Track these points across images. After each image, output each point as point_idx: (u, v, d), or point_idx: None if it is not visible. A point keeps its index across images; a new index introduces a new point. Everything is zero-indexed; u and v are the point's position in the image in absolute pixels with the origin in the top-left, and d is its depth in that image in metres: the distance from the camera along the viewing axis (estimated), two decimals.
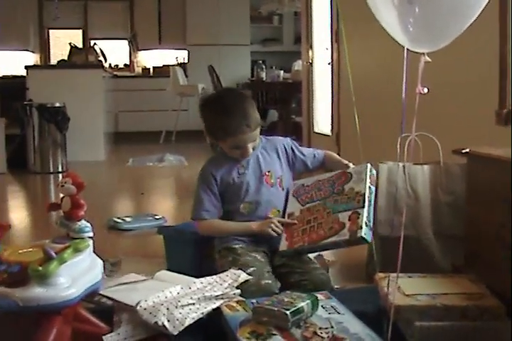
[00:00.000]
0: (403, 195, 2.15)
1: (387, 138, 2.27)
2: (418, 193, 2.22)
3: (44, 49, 8.85)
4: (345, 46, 2.97)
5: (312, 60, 5.69)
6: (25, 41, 8.53)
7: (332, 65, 5.03)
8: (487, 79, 2.68)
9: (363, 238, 1.86)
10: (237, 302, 1.72)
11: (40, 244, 1.70)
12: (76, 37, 8.76)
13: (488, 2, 1.39)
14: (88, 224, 1.87)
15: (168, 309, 1.62)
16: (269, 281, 1.90)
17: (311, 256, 2.14)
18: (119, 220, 3.25)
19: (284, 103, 6.93)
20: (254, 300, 1.71)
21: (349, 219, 1.91)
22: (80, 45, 8.38)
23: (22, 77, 6.58)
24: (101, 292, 1.75)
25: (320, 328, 1.56)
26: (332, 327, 1.57)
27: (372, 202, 1.98)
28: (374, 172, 2.07)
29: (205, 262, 2.21)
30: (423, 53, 1.45)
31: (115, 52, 8.91)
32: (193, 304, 1.66)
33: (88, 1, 8.81)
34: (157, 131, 7.78)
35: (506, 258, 1.76)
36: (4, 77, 8.14)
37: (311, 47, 5.69)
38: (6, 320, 1.55)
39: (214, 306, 1.68)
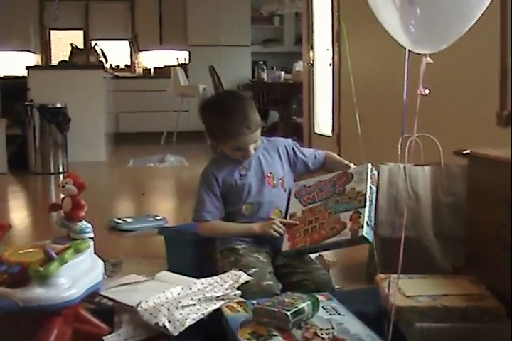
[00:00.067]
0: (404, 196, 2.15)
1: (387, 139, 2.27)
2: (419, 194, 2.22)
3: (45, 49, 8.85)
4: (347, 47, 2.97)
5: (313, 61, 5.69)
6: (26, 42, 8.54)
7: (333, 66, 5.03)
8: (488, 80, 2.68)
9: (364, 237, 1.86)
10: (238, 303, 1.72)
11: (40, 244, 1.70)
12: (77, 37, 8.76)
13: (490, 3, 1.39)
14: (89, 225, 1.87)
15: (168, 310, 1.62)
16: (271, 282, 1.90)
17: (312, 256, 2.14)
18: (119, 221, 3.25)
19: (284, 104, 6.93)
20: (254, 301, 1.71)
21: (350, 219, 1.92)
22: (81, 46, 8.38)
23: (23, 77, 6.58)
24: (101, 293, 1.75)
25: (320, 329, 1.56)
26: (333, 328, 1.57)
27: (374, 202, 1.98)
28: (375, 172, 2.07)
29: (205, 263, 2.21)
30: (425, 54, 1.45)
31: (116, 52, 8.91)
32: (194, 305, 1.66)
33: (89, 2, 8.81)
34: (158, 132, 7.78)
35: (506, 260, 1.76)
36: (5, 78, 8.14)
37: (312, 48, 5.69)
38: (6, 320, 1.55)
39: (215, 307, 1.68)
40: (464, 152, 2.08)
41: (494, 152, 1.94)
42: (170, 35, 8.97)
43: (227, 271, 1.91)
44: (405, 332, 1.58)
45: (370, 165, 2.06)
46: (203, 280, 1.82)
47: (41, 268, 1.47)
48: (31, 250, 1.63)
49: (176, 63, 8.93)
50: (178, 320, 1.59)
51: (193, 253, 2.28)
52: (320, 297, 1.72)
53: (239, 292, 1.78)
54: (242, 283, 1.83)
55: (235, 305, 1.70)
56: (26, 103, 5.66)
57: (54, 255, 1.52)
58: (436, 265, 2.19)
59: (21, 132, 5.71)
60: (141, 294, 1.72)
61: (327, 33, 5.21)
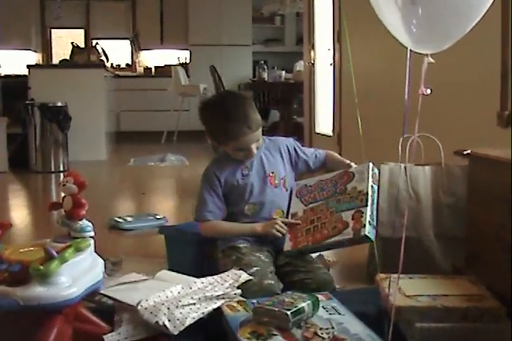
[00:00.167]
0: (404, 197, 2.15)
1: (388, 139, 2.27)
2: (419, 195, 2.22)
3: (46, 48, 8.86)
4: (348, 47, 2.97)
5: (314, 61, 5.69)
6: (28, 40, 8.54)
7: (334, 66, 5.03)
8: (489, 80, 2.68)
9: (367, 236, 1.86)
10: (238, 302, 1.72)
11: (41, 243, 1.70)
12: (78, 36, 8.77)
13: (492, 3, 1.39)
14: (89, 224, 1.87)
15: (168, 309, 1.62)
16: (272, 282, 1.90)
17: (313, 256, 2.14)
18: (120, 220, 3.25)
19: (285, 103, 6.93)
20: (254, 301, 1.71)
21: (352, 218, 1.91)
22: (82, 45, 8.40)
23: (24, 76, 6.58)
24: (102, 291, 1.75)
25: (320, 329, 1.56)
26: (333, 327, 1.57)
27: (375, 201, 1.98)
28: (376, 171, 2.07)
29: (206, 262, 2.21)
30: (427, 54, 1.45)
31: (117, 51, 8.92)
32: (194, 304, 1.66)
33: (90, 1, 8.82)
34: (159, 131, 7.79)
35: (506, 260, 1.76)
36: (6, 77, 8.14)
37: (313, 47, 5.69)
38: (6, 319, 1.55)
39: (215, 306, 1.68)
40: (465, 152, 2.08)
41: (494, 152, 1.93)
42: (171, 34, 8.97)
43: (228, 270, 1.91)
44: (405, 332, 1.58)
45: (371, 164, 2.06)
46: (203, 279, 1.83)
47: (42, 267, 1.47)
48: (32, 248, 1.63)
49: (177, 62, 8.94)
50: (178, 319, 1.59)
51: (194, 253, 2.28)
52: (320, 296, 1.72)
53: (239, 291, 1.78)
54: (243, 282, 1.83)
55: (235, 305, 1.70)
56: (27, 102, 5.66)
57: (54, 254, 1.52)
58: (436, 265, 2.19)
59: (22, 131, 5.71)
60: (141, 293, 1.72)
61: (328, 32, 5.21)
